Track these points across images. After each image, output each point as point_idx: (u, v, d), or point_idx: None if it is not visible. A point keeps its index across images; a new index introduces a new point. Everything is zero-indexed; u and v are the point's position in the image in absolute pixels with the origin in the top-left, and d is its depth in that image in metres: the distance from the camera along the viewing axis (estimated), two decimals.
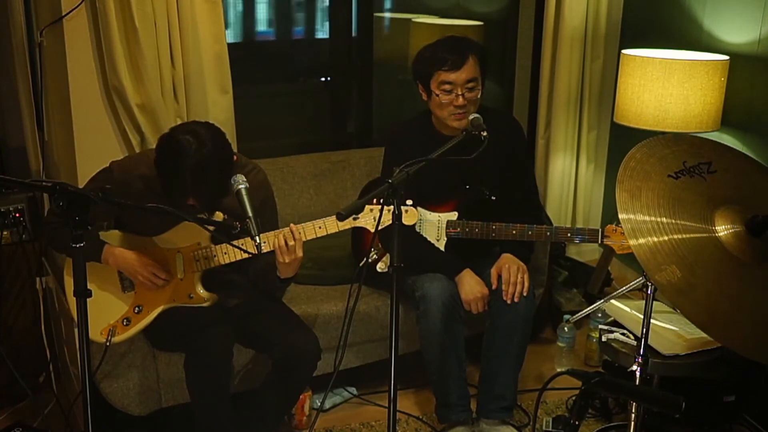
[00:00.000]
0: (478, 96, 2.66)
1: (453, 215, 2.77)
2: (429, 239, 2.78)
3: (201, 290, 2.43)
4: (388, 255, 2.85)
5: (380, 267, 2.87)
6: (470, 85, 2.62)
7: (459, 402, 2.75)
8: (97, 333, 2.40)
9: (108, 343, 2.38)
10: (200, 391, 2.38)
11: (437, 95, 2.64)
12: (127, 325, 2.43)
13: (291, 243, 2.32)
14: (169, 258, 2.43)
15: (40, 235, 2.95)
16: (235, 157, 2.39)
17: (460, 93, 2.61)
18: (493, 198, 2.77)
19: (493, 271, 2.69)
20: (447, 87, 2.62)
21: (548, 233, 2.68)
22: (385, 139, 2.96)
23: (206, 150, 2.20)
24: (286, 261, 2.33)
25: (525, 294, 2.65)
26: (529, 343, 2.76)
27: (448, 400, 2.76)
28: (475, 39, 2.80)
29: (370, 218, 2.32)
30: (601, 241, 2.62)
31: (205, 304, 2.45)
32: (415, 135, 2.79)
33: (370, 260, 2.87)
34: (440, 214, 2.78)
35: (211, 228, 2.27)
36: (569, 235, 2.69)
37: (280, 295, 2.77)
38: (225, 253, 2.40)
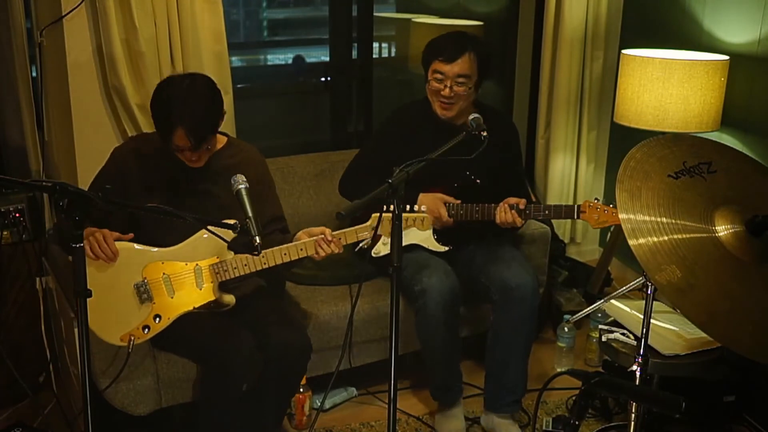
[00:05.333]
0: (467, 92, 2.73)
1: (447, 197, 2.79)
2: (417, 232, 2.80)
3: (220, 295, 2.41)
4: (382, 238, 2.85)
5: (375, 252, 2.87)
6: (460, 80, 2.71)
7: (456, 383, 2.83)
8: (116, 338, 2.37)
9: (130, 350, 2.36)
10: (212, 401, 2.40)
11: (429, 81, 2.77)
12: (146, 332, 2.39)
13: (329, 250, 2.36)
14: (188, 271, 2.39)
15: (40, 235, 2.95)
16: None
17: (448, 85, 2.72)
18: (478, 181, 2.81)
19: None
20: (438, 76, 2.74)
21: (527, 211, 2.70)
22: (384, 118, 3.07)
23: (196, 80, 2.34)
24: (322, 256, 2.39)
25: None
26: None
27: (443, 384, 2.82)
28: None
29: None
30: (578, 216, 2.67)
31: (224, 308, 2.43)
32: (413, 114, 2.90)
33: (365, 247, 2.86)
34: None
35: (211, 228, 2.25)
36: (547, 212, 2.72)
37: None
38: (245, 265, 2.38)
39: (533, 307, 2.73)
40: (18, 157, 3.16)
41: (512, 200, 2.69)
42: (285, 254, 2.37)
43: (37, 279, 2.92)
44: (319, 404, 2.85)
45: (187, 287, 2.39)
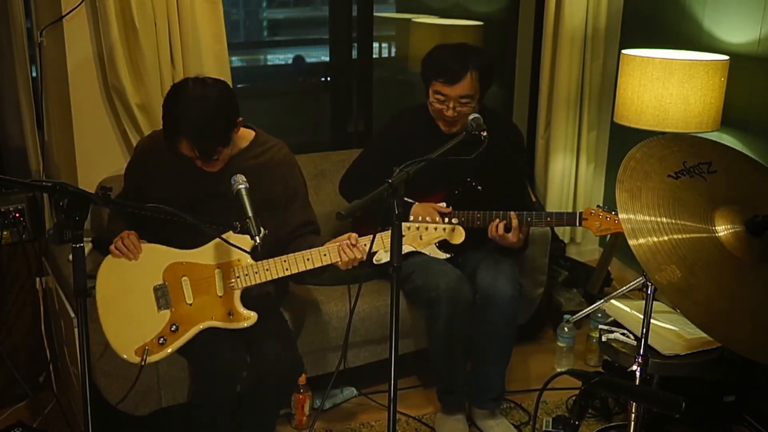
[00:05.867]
0: (471, 110, 2.67)
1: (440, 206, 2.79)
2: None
3: (241, 308, 2.33)
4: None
5: (377, 259, 2.87)
6: (463, 100, 2.67)
7: (461, 389, 2.82)
8: (131, 352, 2.29)
9: (143, 363, 2.28)
10: (202, 402, 2.38)
11: (430, 101, 2.73)
12: (162, 344, 2.31)
13: (352, 255, 2.29)
14: (208, 274, 2.34)
15: (40, 235, 2.95)
16: (241, 125, 2.35)
17: (451, 106, 2.68)
18: (480, 187, 2.79)
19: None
20: (440, 97, 2.69)
21: (529, 219, 2.69)
22: (385, 121, 3.05)
23: (208, 89, 2.22)
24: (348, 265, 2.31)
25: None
26: (527, 342, 2.77)
27: (452, 387, 2.81)
28: (475, 40, 2.82)
29: (411, 238, 2.29)
30: (580, 223, 2.65)
31: (246, 324, 2.33)
32: (413, 120, 2.86)
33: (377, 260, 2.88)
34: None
35: (212, 228, 2.24)
36: (549, 219, 2.71)
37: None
38: (267, 270, 2.31)
39: (510, 318, 2.71)
40: (18, 157, 3.16)
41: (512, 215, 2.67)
42: (308, 259, 2.29)
43: (37, 279, 2.92)
44: (319, 404, 2.86)
45: (207, 293, 2.33)
